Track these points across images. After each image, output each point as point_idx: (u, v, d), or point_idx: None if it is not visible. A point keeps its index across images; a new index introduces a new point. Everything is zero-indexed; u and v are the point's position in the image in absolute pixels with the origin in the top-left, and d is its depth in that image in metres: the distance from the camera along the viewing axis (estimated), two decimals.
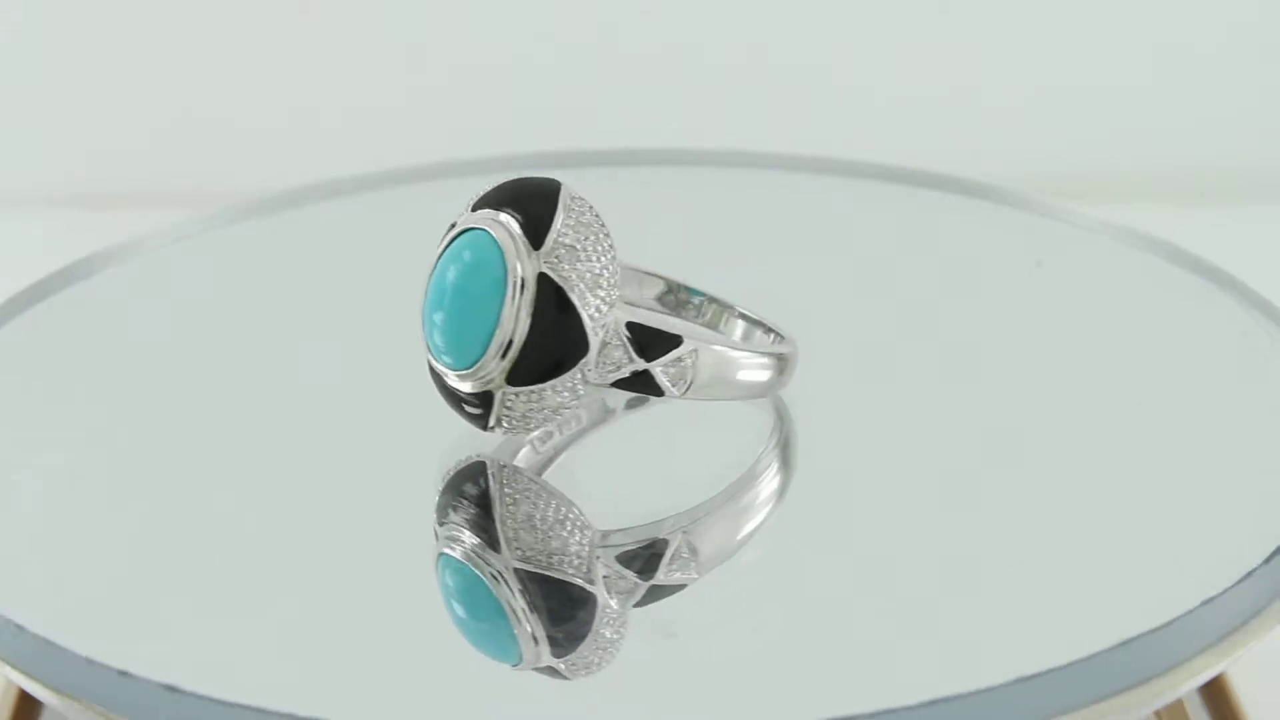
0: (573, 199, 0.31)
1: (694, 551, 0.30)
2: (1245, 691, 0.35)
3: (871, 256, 0.41)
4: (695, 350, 0.31)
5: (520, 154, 0.43)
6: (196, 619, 0.29)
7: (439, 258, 0.31)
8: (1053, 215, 0.42)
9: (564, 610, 0.29)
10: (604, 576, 0.30)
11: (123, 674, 0.27)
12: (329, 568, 0.31)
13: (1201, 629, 0.28)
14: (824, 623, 0.29)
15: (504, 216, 0.31)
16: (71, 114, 0.60)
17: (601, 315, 0.30)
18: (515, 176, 0.31)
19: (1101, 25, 0.59)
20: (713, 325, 0.35)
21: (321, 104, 0.60)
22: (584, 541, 0.31)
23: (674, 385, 0.31)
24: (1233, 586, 0.29)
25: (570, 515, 0.31)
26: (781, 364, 0.33)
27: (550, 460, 0.33)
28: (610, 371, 0.31)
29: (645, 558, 0.30)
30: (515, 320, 0.30)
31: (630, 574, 0.30)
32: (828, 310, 0.38)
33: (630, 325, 0.30)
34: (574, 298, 0.30)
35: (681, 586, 0.30)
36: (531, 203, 0.31)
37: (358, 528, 0.31)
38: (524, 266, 0.30)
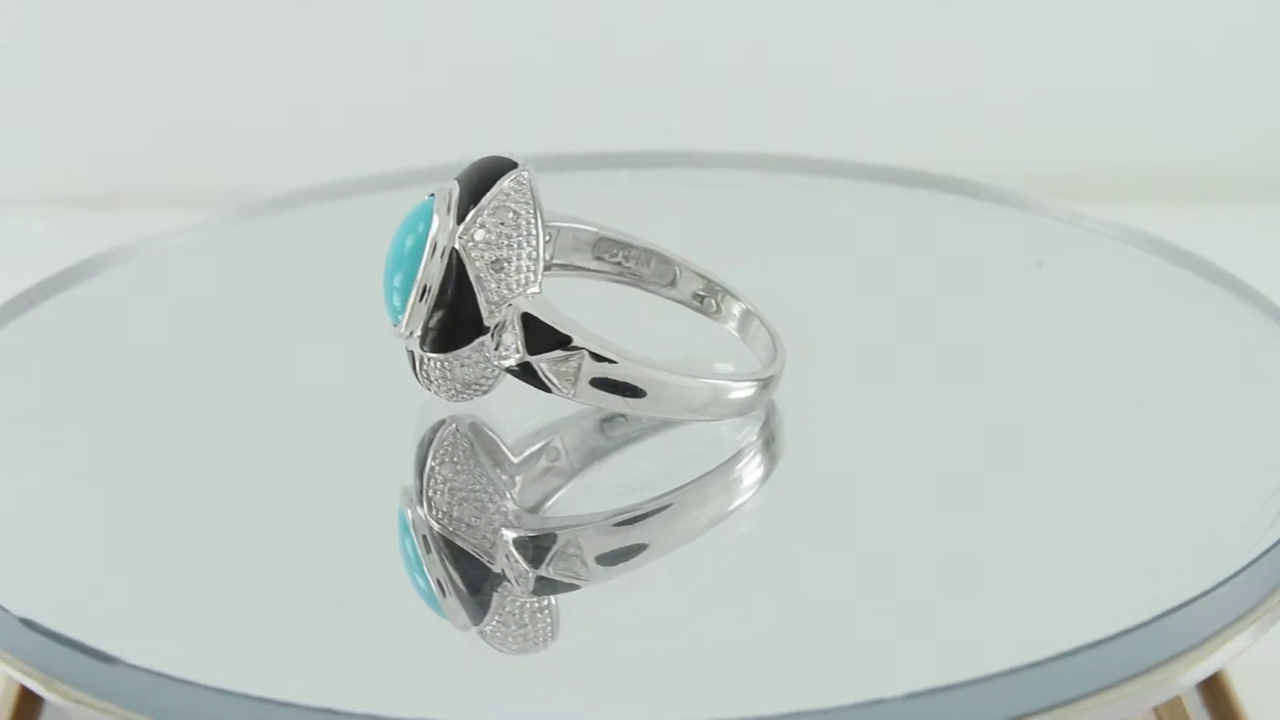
0: (515, 183, 0.32)
1: (582, 552, 0.31)
2: (1245, 691, 0.35)
3: (871, 257, 0.41)
4: (583, 353, 0.31)
5: (520, 155, 0.43)
6: (198, 613, 0.29)
7: (400, 224, 0.32)
8: (1052, 215, 0.42)
9: (467, 581, 0.30)
10: (504, 556, 0.30)
11: (125, 665, 0.28)
12: (331, 560, 0.31)
13: (1197, 623, 0.29)
14: (817, 613, 0.29)
15: (453, 188, 0.32)
16: (71, 114, 0.60)
17: (502, 299, 0.31)
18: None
19: (1101, 25, 0.59)
20: (710, 314, 0.35)
21: (321, 104, 0.60)
22: (493, 518, 0.31)
23: (560, 384, 0.31)
24: (1228, 580, 0.29)
25: (488, 491, 0.32)
26: (731, 389, 0.32)
27: (623, 443, 0.33)
28: (505, 357, 0.31)
29: (534, 548, 0.30)
30: (428, 282, 0.31)
31: (521, 561, 0.30)
32: (827, 311, 0.38)
33: (525, 316, 0.31)
34: (472, 277, 0.31)
35: (572, 585, 0.30)
36: (476, 179, 0.32)
37: (358, 521, 0.32)
38: (443, 238, 0.31)
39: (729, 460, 0.33)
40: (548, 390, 0.31)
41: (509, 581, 0.30)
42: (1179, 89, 0.59)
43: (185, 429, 0.34)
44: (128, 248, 0.41)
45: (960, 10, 0.59)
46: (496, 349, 0.31)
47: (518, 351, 0.31)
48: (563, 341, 0.31)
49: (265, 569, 0.31)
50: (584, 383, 0.31)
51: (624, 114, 0.58)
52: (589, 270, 0.35)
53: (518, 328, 0.31)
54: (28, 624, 0.29)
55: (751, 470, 0.33)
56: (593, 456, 0.33)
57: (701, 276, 0.35)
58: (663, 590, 0.30)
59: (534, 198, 0.32)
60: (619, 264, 0.35)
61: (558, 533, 0.31)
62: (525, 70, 0.59)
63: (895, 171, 0.44)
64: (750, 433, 0.33)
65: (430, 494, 0.32)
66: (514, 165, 0.32)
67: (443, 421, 0.34)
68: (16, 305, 0.38)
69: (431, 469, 0.32)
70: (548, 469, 0.33)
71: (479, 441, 0.33)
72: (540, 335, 0.31)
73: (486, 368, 0.32)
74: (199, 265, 0.41)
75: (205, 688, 0.27)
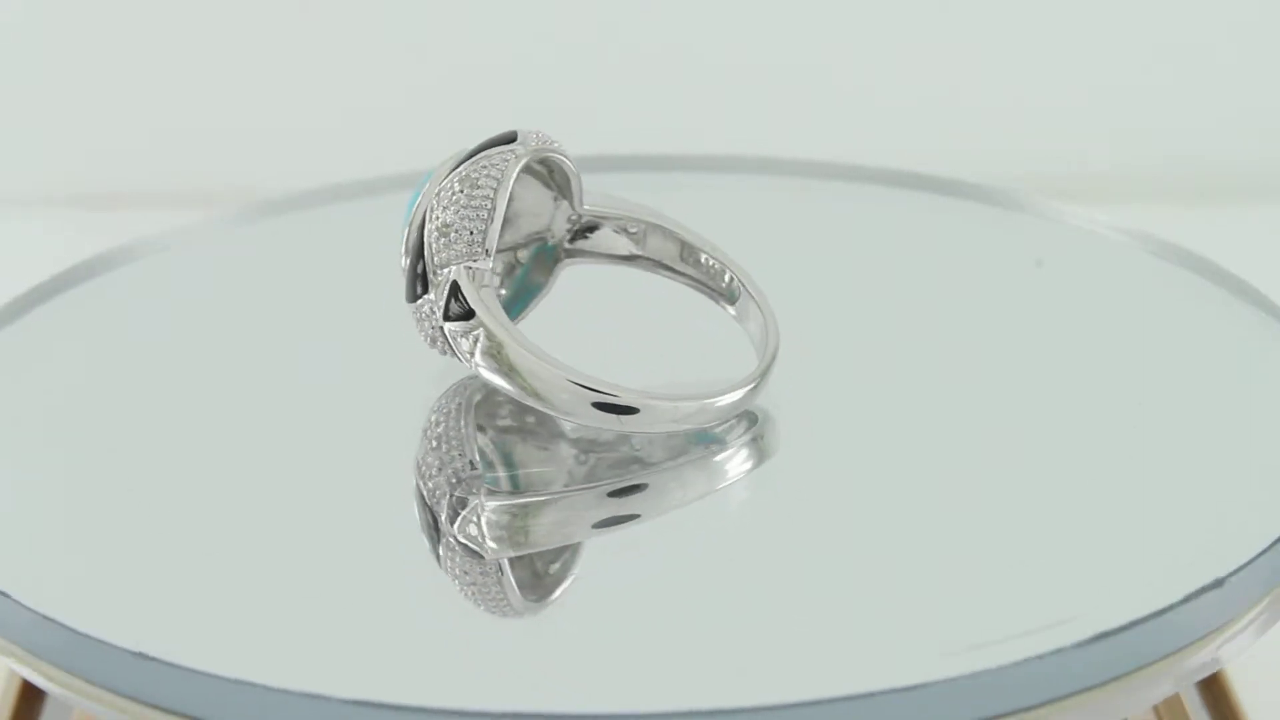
0: (499, 158, 0.32)
1: (480, 523, 0.31)
2: (1245, 691, 0.35)
3: (871, 259, 0.41)
4: (480, 331, 0.32)
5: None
6: (204, 606, 0.29)
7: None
8: (1052, 216, 0.42)
9: (434, 526, 0.31)
10: (443, 510, 0.31)
11: (136, 655, 0.28)
12: (333, 550, 0.31)
13: (1197, 622, 0.29)
14: (810, 605, 0.29)
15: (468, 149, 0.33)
16: (71, 114, 0.60)
17: (444, 264, 0.32)
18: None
19: (1101, 25, 0.59)
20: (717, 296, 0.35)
21: (321, 104, 0.60)
22: (449, 475, 0.32)
23: (467, 354, 0.32)
24: (1228, 579, 0.29)
25: (455, 452, 0.33)
26: (717, 401, 0.32)
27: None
28: (437, 320, 0.32)
29: (453, 509, 0.31)
30: (411, 224, 0.33)
31: (446, 518, 0.31)
32: (828, 312, 0.38)
33: (452, 284, 0.32)
34: (425, 238, 0.32)
35: (477, 554, 0.30)
36: (480, 145, 0.33)
37: (357, 517, 0.32)
38: (429, 192, 0.33)
39: (714, 453, 0.33)
40: (459, 360, 0.32)
41: (450, 537, 0.31)
42: (1179, 89, 0.59)
43: (186, 429, 0.34)
44: (128, 248, 0.41)
45: (960, 11, 0.59)
46: (436, 307, 0.32)
47: (442, 316, 0.32)
48: (466, 315, 0.32)
49: (269, 561, 0.31)
50: (482, 358, 0.32)
51: (624, 116, 0.58)
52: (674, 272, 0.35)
53: (447, 294, 0.32)
54: (31, 613, 0.29)
55: (737, 464, 0.33)
56: (672, 452, 0.33)
57: (701, 250, 0.35)
58: (652, 575, 0.30)
59: (508, 177, 0.32)
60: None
61: (469, 499, 0.32)
62: (525, 71, 0.59)
63: (895, 174, 0.44)
64: (742, 430, 0.33)
65: (424, 437, 0.33)
66: (504, 139, 0.33)
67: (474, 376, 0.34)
68: (17, 305, 0.38)
69: (432, 411, 0.34)
70: (630, 456, 0.33)
71: (474, 399, 0.34)
72: (456, 305, 0.32)
73: (434, 324, 0.33)
74: (199, 265, 0.41)
75: (211, 677, 0.27)
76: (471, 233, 0.32)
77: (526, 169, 0.34)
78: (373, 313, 0.38)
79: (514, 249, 0.35)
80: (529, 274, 0.35)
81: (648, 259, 0.35)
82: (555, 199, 0.35)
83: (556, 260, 0.35)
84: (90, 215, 0.58)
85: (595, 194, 0.35)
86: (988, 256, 0.41)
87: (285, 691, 0.27)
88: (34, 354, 0.37)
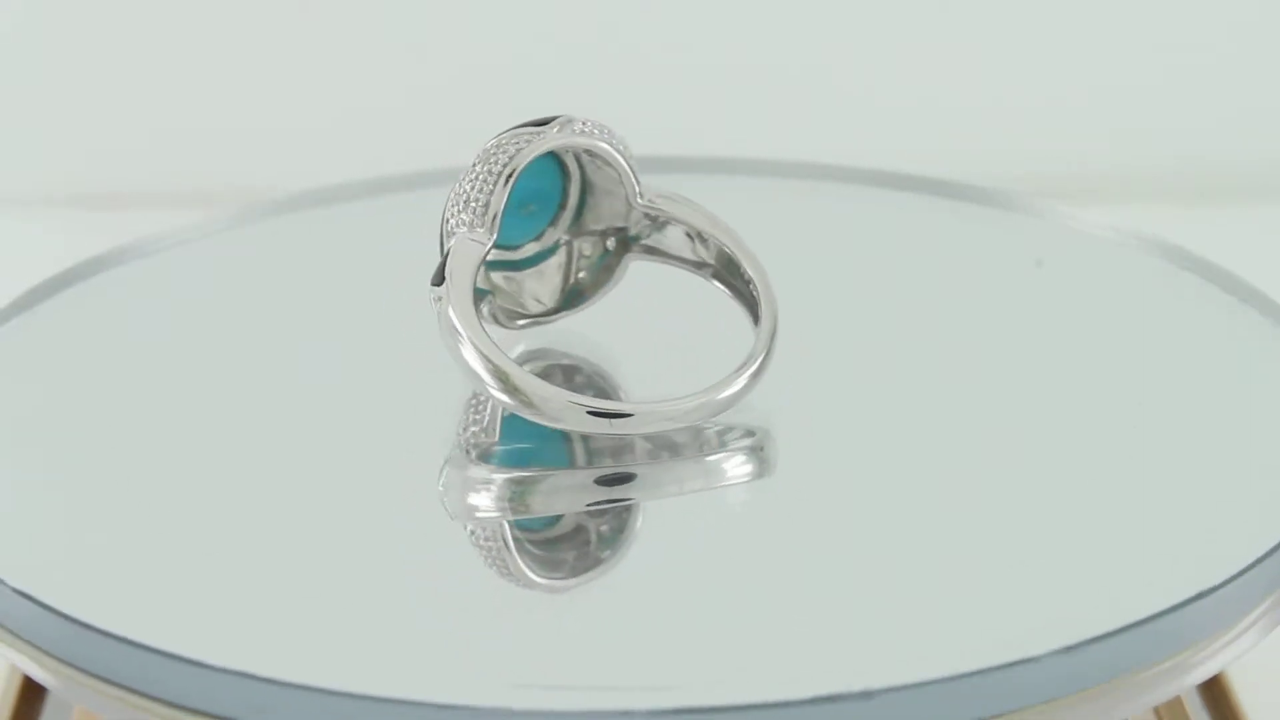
0: (522, 138, 0.33)
1: (444, 495, 0.32)
2: (1245, 692, 0.35)
3: (870, 261, 0.41)
4: (440, 299, 0.32)
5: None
6: (202, 605, 0.29)
7: None
8: (1052, 217, 0.42)
9: None
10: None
11: (137, 647, 0.28)
12: (335, 547, 0.31)
13: (1197, 623, 0.29)
14: (817, 603, 0.29)
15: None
16: (71, 114, 0.60)
17: (451, 232, 0.33)
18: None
19: (1100, 26, 0.59)
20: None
21: (321, 104, 0.60)
22: (468, 437, 0.33)
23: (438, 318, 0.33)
24: (1228, 581, 0.29)
25: (478, 415, 0.34)
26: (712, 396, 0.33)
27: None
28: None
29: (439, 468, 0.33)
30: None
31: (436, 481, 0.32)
32: (828, 315, 0.38)
33: (448, 252, 0.33)
34: (445, 207, 0.33)
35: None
36: (518, 125, 0.33)
37: (349, 517, 0.32)
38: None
39: (712, 452, 0.33)
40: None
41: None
42: (1179, 89, 0.59)
43: (186, 428, 0.34)
44: (128, 248, 0.41)
45: (960, 12, 0.59)
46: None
47: (431, 281, 0.33)
48: (437, 281, 0.32)
49: (272, 554, 0.31)
50: (443, 326, 0.32)
51: (623, 117, 0.58)
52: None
53: (442, 258, 0.33)
54: (32, 608, 0.29)
55: (735, 466, 0.33)
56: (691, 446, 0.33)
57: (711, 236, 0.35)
58: (652, 569, 0.31)
59: (523, 156, 0.33)
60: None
61: (449, 460, 0.32)
62: (525, 71, 0.59)
63: (894, 175, 0.44)
64: (741, 431, 0.33)
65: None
66: (540, 120, 0.34)
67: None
68: (16, 305, 0.38)
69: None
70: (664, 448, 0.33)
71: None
72: (439, 272, 0.32)
73: None
74: (199, 265, 0.41)
75: (215, 670, 0.28)
76: (475, 205, 0.33)
77: (597, 155, 0.34)
78: (373, 312, 0.38)
79: (601, 235, 0.35)
80: (606, 262, 0.35)
81: (713, 268, 0.34)
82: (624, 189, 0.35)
83: (626, 251, 0.35)
84: (90, 215, 0.58)
85: (672, 195, 0.35)
86: (988, 257, 0.41)
87: (288, 685, 0.27)
88: (34, 354, 0.37)
